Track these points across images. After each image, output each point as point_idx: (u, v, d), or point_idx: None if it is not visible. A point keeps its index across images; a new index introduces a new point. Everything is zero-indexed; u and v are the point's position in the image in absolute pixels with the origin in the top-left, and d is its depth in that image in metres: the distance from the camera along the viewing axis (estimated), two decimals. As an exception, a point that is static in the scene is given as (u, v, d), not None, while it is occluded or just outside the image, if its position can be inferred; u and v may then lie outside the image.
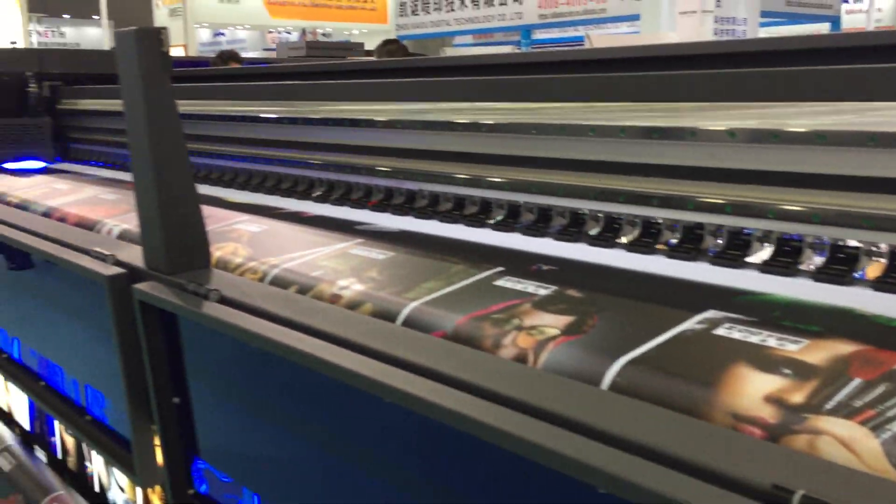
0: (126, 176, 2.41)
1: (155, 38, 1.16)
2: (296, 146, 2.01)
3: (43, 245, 1.53)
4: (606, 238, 1.34)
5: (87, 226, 1.79)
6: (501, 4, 14.00)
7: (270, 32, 17.51)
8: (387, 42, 4.84)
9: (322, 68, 2.61)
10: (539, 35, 15.01)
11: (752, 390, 0.75)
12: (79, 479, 2.06)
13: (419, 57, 3.82)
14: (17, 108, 2.87)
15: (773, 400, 0.73)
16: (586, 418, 0.73)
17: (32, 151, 2.81)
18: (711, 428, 0.71)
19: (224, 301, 1.12)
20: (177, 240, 1.23)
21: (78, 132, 2.99)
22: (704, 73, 1.25)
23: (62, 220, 1.90)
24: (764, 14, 11.19)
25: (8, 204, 2.17)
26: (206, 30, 16.64)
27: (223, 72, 3.53)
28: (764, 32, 11.23)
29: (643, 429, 0.70)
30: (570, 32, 14.13)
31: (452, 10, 14.71)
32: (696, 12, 6.76)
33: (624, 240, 1.33)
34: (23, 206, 2.11)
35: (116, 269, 1.28)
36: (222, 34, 17.58)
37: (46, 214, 1.99)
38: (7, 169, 2.71)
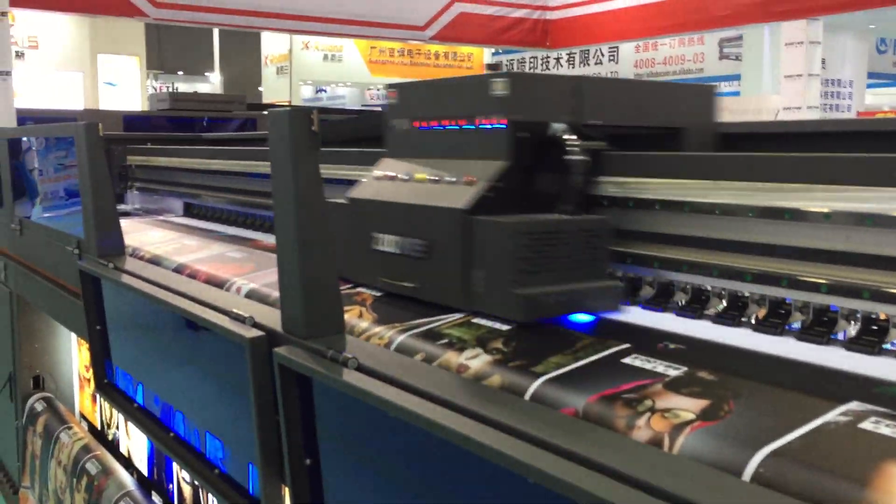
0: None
1: (306, 118, 1.24)
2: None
3: (184, 303, 1.62)
4: (732, 316, 1.34)
5: (217, 283, 1.89)
6: (597, 63, 14.09)
7: (369, 89, 18.09)
8: None
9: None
10: (634, 94, 14.96)
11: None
12: (194, 526, 2.14)
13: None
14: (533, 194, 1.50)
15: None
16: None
17: (593, 291, 1.32)
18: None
19: (361, 369, 1.17)
20: (314, 306, 1.29)
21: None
22: (826, 156, 1.24)
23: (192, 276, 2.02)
24: (870, 76, 10.91)
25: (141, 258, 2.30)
26: (310, 87, 17.34)
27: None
28: (871, 95, 10.93)
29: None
30: (667, 92, 14.04)
31: (548, 68, 14.89)
32: (802, 76, 6.65)
33: (751, 319, 1.32)
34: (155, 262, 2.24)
35: (257, 332, 1.35)
36: (324, 90, 18.27)
37: (178, 270, 2.11)
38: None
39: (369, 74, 15.18)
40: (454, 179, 1.49)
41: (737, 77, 10.95)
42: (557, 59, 14.75)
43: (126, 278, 1.95)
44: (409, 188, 1.59)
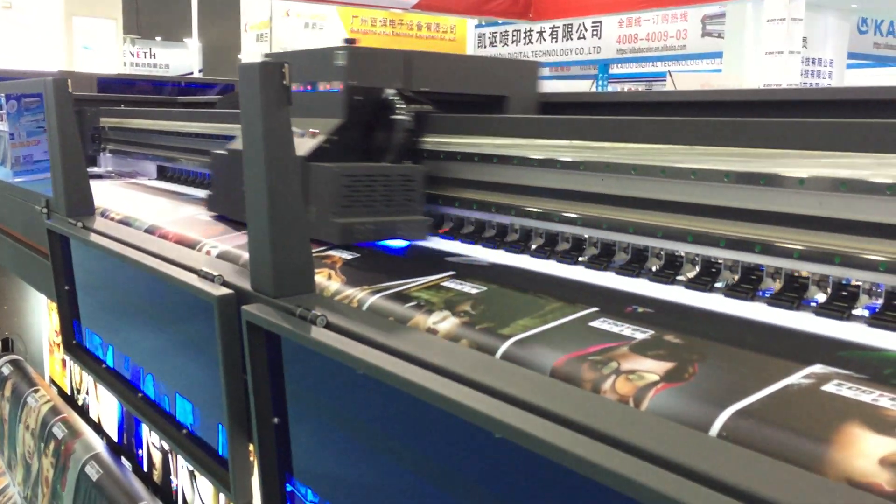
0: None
1: (278, 72, 1.21)
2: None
3: (153, 262, 1.59)
4: (705, 282, 1.34)
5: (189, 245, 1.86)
6: (580, 38, 14.04)
7: (350, 59, 17.90)
8: None
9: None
10: (617, 70, 14.98)
11: (866, 453, 0.73)
12: (163, 491, 2.13)
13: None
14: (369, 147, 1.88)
15: (890, 465, 0.71)
16: (701, 466, 0.73)
17: (401, 222, 1.68)
18: (837, 485, 0.71)
19: (330, 327, 1.16)
20: (284, 264, 1.28)
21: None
22: (816, 121, 1.24)
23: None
24: (851, 55, 10.95)
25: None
26: (289, 55, 17.11)
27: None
28: (851, 75, 10.98)
29: (760, 479, 0.70)
30: (649, 68, 14.06)
31: (531, 42, 14.81)
32: (783, 53, 6.66)
33: (721, 284, 1.32)
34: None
35: (225, 290, 1.33)
36: (304, 60, 18.04)
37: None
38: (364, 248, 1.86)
39: (351, 44, 15.01)
40: (301, 133, 1.80)
41: (719, 55, 10.95)
42: (540, 33, 14.67)
43: (95, 237, 1.92)
44: None
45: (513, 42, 15.19)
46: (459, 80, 2.03)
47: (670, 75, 6.38)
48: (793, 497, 0.67)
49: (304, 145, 1.75)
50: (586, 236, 1.56)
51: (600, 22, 13.66)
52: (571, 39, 14.21)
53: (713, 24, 11.71)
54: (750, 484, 0.70)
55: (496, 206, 1.75)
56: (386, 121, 1.81)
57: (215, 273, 1.40)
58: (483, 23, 15.85)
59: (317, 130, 1.80)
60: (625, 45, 13.40)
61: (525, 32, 14.89)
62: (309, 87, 1.91)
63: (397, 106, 1.81)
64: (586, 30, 13.93)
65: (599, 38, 13.75)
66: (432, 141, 1.86)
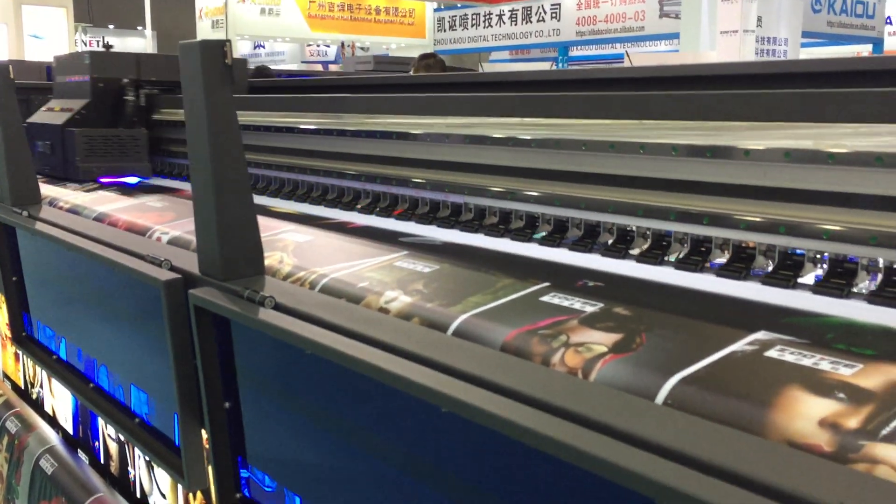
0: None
1: (219, 51, 1.19)
2: (344, 158, 2.04)
3: (100, 249, 1.56)
4: (655, 255, 1.35)
5: (139, 232, 1.83)
6: (539, 21, 14.04)
7: (309, 45, 17.72)
8: (424, 56, 4.84)
9: (368, 81, 2.64)
10: (577, 52, 15.02)
11: (806, 415, 0.74)
12: (121, 483, 2.09)
13: (472, 72, 3.85)
14: (113, 119, 2.77)
15: (828, 425, 0.72)
16: (646, 432, 0.73)
17: (129, 166, 2.68)
18: (777, 446, 0.71)
19: (279, 308, 1.14)
20: (232, 247, 1.26)
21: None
22: (760, 93, 1.25)
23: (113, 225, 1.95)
24: (805, 34, 11.08)
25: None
26: (247, 42, 16.89)
27: (274, 83, 3.58)
28: (805, 53, 11.13)
29: (704, 444, 0.70)
30: (608, 50, 14.11)
31: (490, 25, 14.78)
32: (738, 32, 6.72)
33: (672, 258, 1.33)
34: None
35: (172, 275, 1.31)
36: (262, 46, 17.83)
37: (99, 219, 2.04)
38: (105, 184, 2.59)
39: (309, 30, 14.84)
40: (66, 108, 2.77)
41: (677, 35, 11.02)
42: (500, 16, 14.65)
43: (41, 226, 1.87)
44: (50, 115, 2.82)
45: (472, 25, 15.14)
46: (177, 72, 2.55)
47: (628, 56, 6.40)
48: (733, 459, 0.67)
49: (63, 117, 2.71)
50: (539, 213, 1.57)
51: (559, 4, 13.67)
52: (531, 22, 14.21)
53: (670, 6, 11.77)
54: (693, 449, 0.70)
55: (449, 185, 1.75)
56: (122, 100, 2.77)
57: (162, 258, 1.38)
58: (442, 6, 15.77)
59: (72, 107, 2.72)
60: (584, 27, 13.43)
61: (485, 15, 14.85)
62: (71, 79, 2.88)
63: (128, 90, 2.77)
64: (545, 12, 13.93)
65: (559, 21, 13.76)
66: (160, 113, 2.81)
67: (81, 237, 1.73)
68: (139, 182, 2.61)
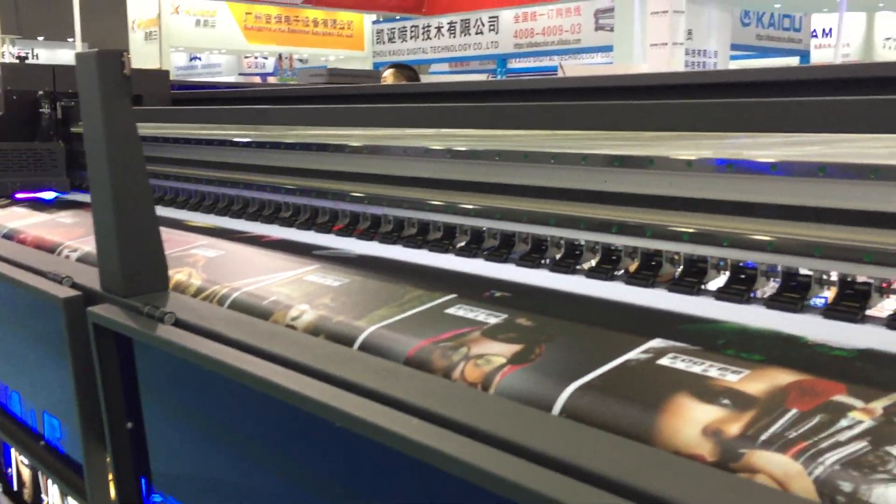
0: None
1: (116, 61, 1.15)
2: (263, 170, 2.01)
3: (2, 267, 1.51)
4: (567, 264, 1.35)
5: (48, 249, 1.77)
6: (478, 34, 14.16)
7: (247, 57, 17.54)
8: (402, 67, 4.70)
9: (291, 93, 2.61)
10: (514, 64, 15.19)
11: (690, 424, 0.75)
12: (34, 507, 2.02)
13: (392, 84, 3.83)
14: (29, 132, 2.74)
15: (710, 433, 0.73)
16: (539, 445, 0.72)
17: (45, 181, 2.62)
18: (660, 454, 0.72)
19: (180, 324, 1.11)
20: (134, 262, 1.22)
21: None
22: (664, 104, 1.26)
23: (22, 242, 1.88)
24: (734, 47, 11.41)
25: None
26: (183, 54, 16.63)
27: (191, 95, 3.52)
28: (735, 65, 11.44)
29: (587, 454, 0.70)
30: (546, 62, 14.31)
31: (429, 38, 14.85)
32: (667, 44, 6.87)
33: (584, 266, 1.34)
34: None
35: (72, 292, 1.27)
36: (198, 58, 17.58)
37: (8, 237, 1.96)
38: (20, 199, 2.51)
39: (246, 42, 14.69)
40: None
41: (612, 48, 11.23)
42: (438, 28, 14.73)
43: (-57, 244, 1.79)
44: None
45: (411, 38, 15.20)
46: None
47: (561, 67, 6.49)
48: (619, 470, 0.67)
49: None
50: (456, 223, 1.56)
51: (497, 17, 13.81)
52: (469, 35, 14.32)
53: (605, 18, 12.00)
54: (582, 460, 0.70)
55: (367, 197, 1.74)
56: (37, 113, 2.72)
57: (63, 275, 1.33)
58: (381, 19, 15.79)
59: None
60: (522, 39, 13.59)
61: (423, 28, 14.92)
62: None
63: (44, 103, 2.72)
64: (483, 25, 14.06)
65: (497, 33, 13.91)
66: (78, 126, 2.68)
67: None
68: (56, 197, 2.53)
